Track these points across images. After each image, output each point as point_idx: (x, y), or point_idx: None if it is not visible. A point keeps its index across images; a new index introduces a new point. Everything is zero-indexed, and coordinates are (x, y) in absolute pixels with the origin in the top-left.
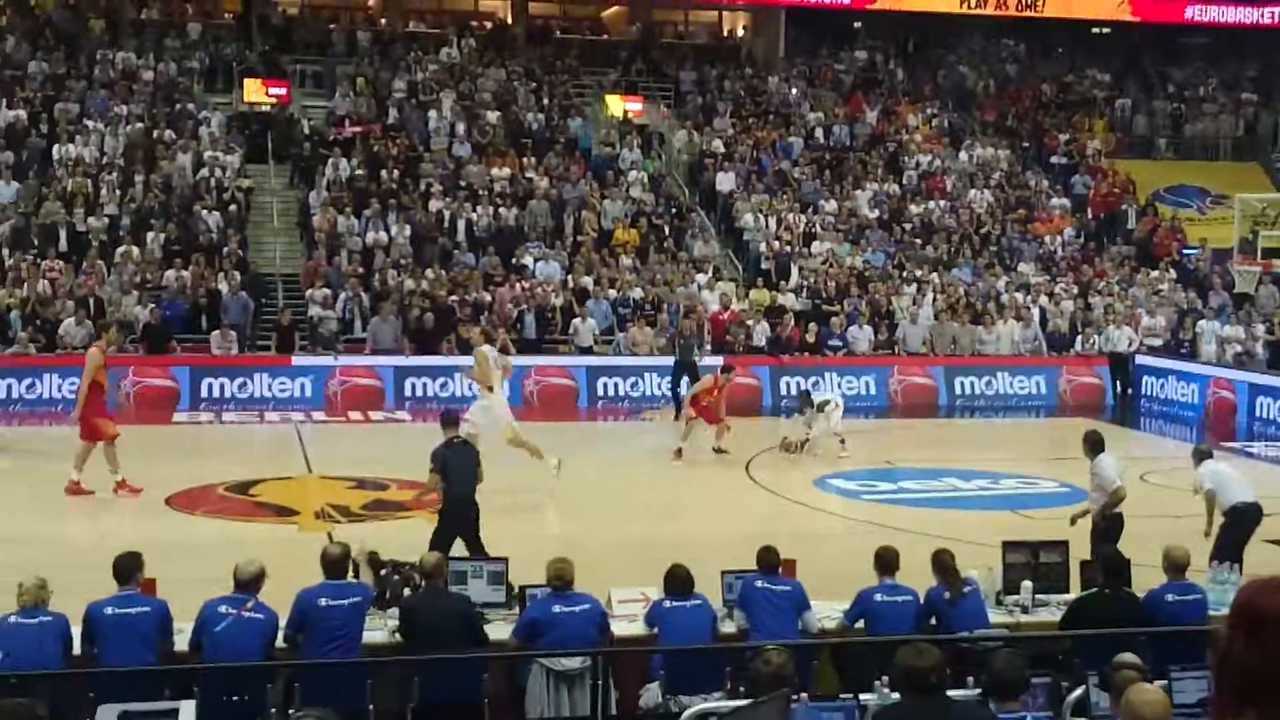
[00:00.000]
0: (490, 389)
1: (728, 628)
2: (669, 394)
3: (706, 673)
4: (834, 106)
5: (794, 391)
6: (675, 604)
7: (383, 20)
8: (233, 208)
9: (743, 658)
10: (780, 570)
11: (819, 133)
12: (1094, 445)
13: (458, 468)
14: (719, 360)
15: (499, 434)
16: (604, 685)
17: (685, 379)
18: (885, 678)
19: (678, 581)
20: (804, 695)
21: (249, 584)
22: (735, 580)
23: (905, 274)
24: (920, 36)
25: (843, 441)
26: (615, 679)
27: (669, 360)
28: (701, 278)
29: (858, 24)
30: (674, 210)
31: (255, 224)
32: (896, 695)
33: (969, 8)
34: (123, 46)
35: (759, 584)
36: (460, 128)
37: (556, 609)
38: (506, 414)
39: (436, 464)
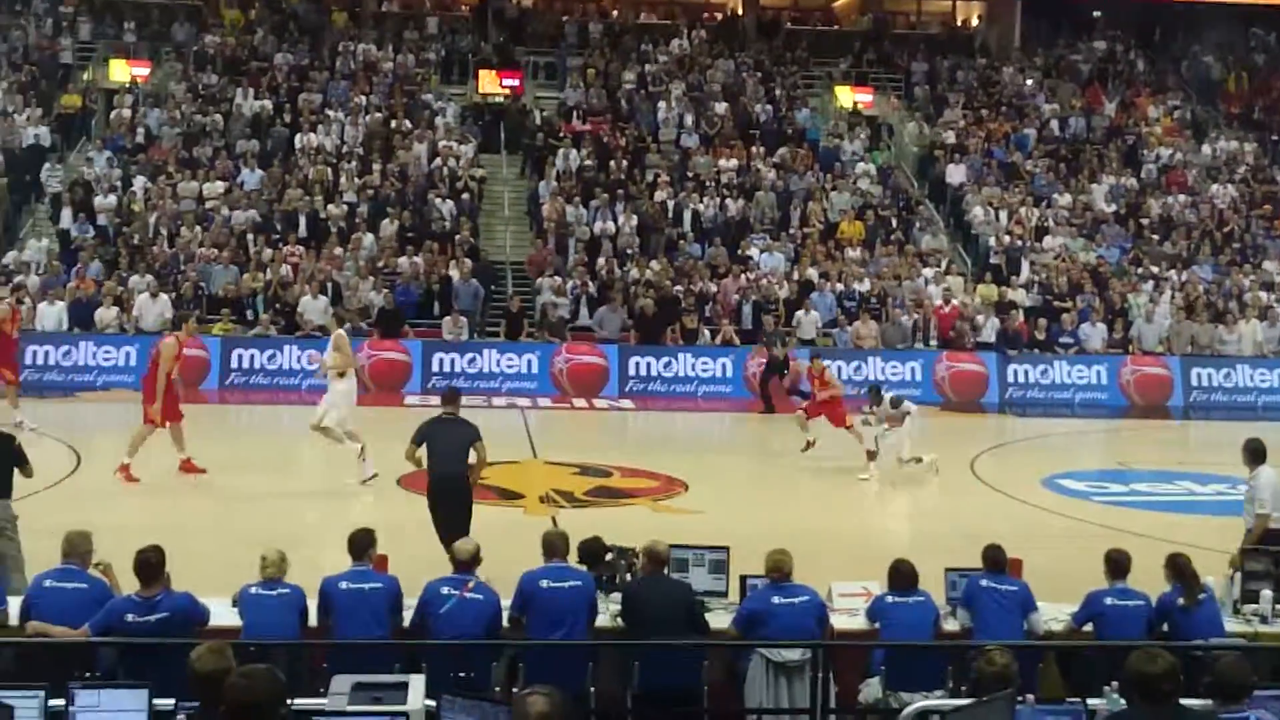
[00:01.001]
0: (341, 375)
1: (950, 626)
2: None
3: (928, 670)
4: (1070, 98)
5: (1020, 379)
6: (898, 599)
7: (614, 12)
8: (465, 196)
9: (965, 656)
10: (1007, 569)
11: (1054, 124)
12: (1254, 455)
13: (441, 445)
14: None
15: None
16: (824, 678)
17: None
18: (1115, 683)
19: (902, 577)
20: (1029, 697)
21: (468, 563)
22: (959, 578)
23: (1142, 271)
24: (1164, 26)
25: (918, 460)
26: (835, 672)
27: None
28: (929, 271)
29: (1097, 13)
30: (902, 203)
31: (486, 212)
32: (1125, 702)
33: None
34: (363, 38)
35: (984, 583)
36: (688, 119)
37: (775, 600)
38: (334, 403)
39: (417, 438)
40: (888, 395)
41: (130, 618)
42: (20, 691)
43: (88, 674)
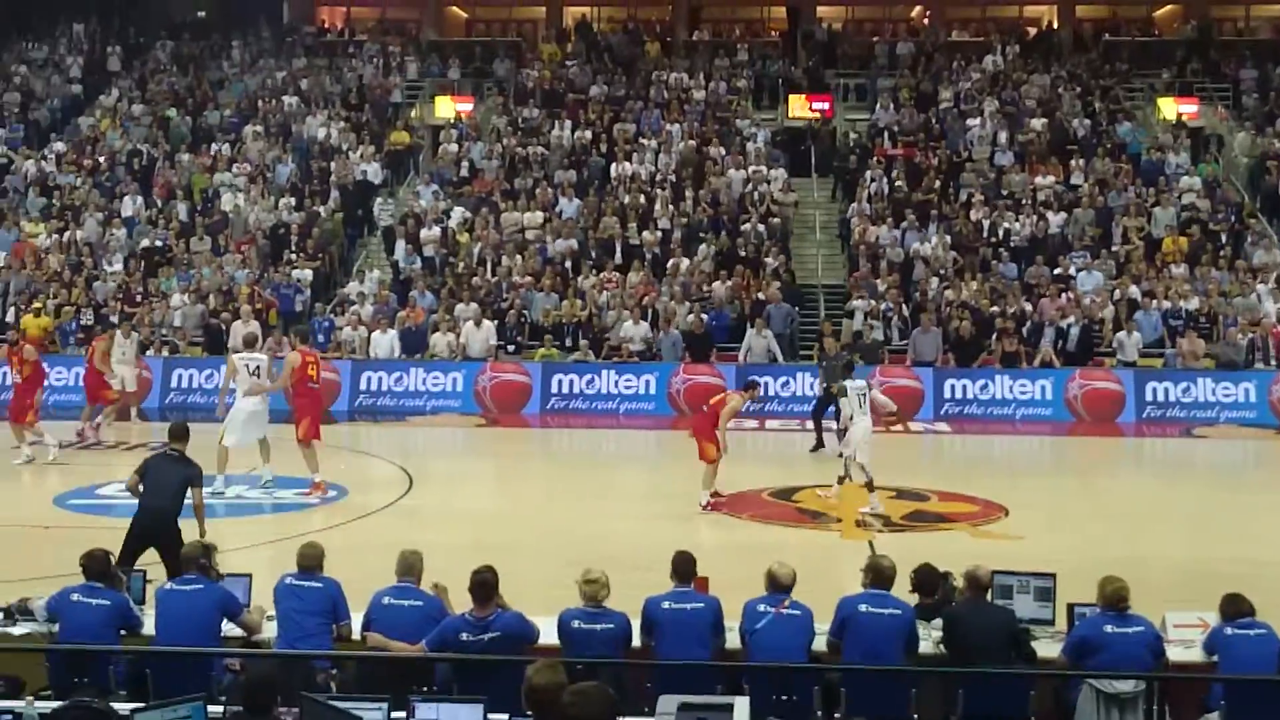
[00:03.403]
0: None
1: None
2: None
3: (1274, 706)
4: None
5: None
6: (1237, 631)
7: (925, 21)
8: (776, 220)
9: None
10: None
11: None
12: None
13: (154, 480)
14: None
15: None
16: (1159, 712)
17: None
18: None
19: (1240, 607)
20: None
21: (787, 587)
22: None
23: None
24: None
25: (842, 478)
26: (1170, 706)
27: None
28: (1262, 288)
29: None
30: (1232, 216)
31: (798, 235)
32: None
33: None
34: (675, 68)
35: None
36: (1002, 136)
37: (1108, 629)
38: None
39: (139, 469)
40: (851, 385)
41: (464, 636)
42: (365, 702)
43: (425, 688)
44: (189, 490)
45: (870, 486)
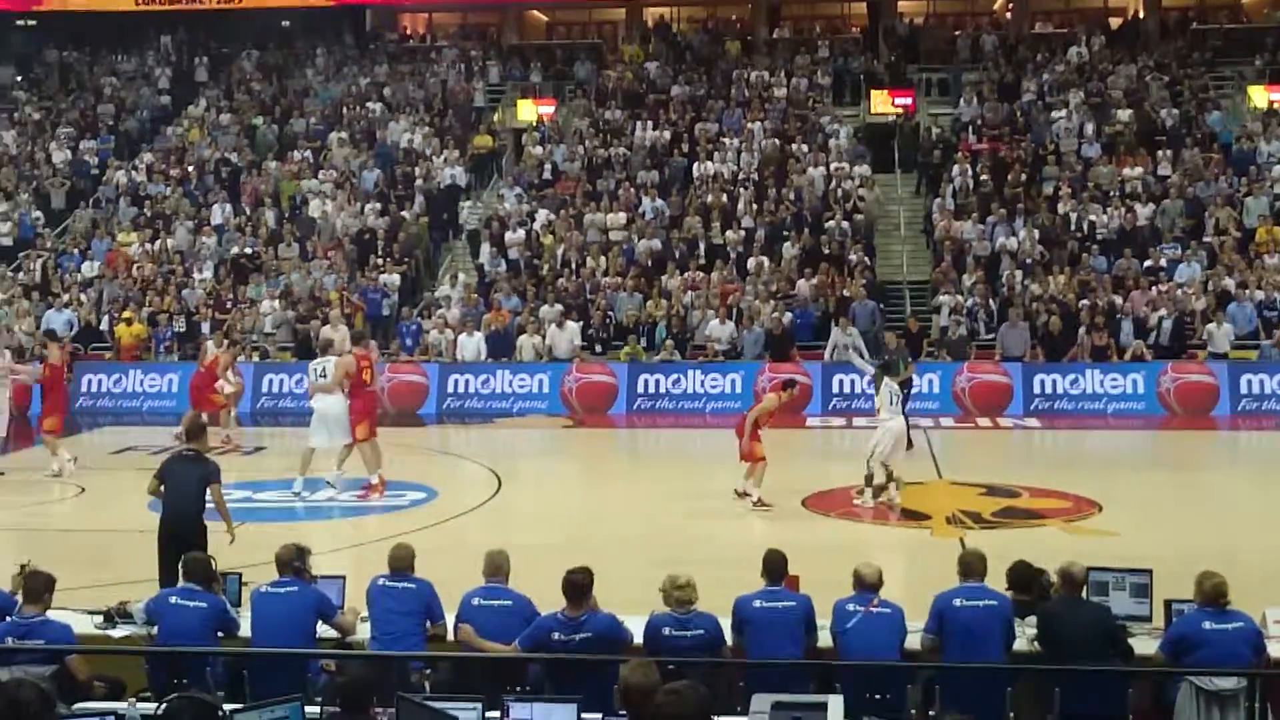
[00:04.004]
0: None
1: None
2: None
3: None
4: None
5: None
6: None
7: (1008, 14)
8: (859, 217)
9: None
10: None
11: None
12: None
13: (174, 482)
14: None
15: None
16: (1261, 709)
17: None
18: None
19: None
20: None
21: (876, 585)
22: None
23: None
24: None
25: (891, 475)
26: (1273, 703)
27: None
28: None
29: None
30: None
31: (882, 232)
32: None
33: None
34: (756, 66)
35: None
36: (1088, 128)
37: (1207, 625)
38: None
39: (158, 473)
40: (884, 382)
41: (556, 636)
42: (460, 702)
43: (518, 687)
44: (209, 488)
45: (869, 481)
